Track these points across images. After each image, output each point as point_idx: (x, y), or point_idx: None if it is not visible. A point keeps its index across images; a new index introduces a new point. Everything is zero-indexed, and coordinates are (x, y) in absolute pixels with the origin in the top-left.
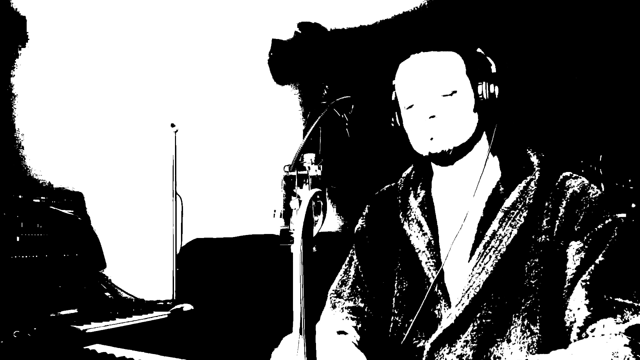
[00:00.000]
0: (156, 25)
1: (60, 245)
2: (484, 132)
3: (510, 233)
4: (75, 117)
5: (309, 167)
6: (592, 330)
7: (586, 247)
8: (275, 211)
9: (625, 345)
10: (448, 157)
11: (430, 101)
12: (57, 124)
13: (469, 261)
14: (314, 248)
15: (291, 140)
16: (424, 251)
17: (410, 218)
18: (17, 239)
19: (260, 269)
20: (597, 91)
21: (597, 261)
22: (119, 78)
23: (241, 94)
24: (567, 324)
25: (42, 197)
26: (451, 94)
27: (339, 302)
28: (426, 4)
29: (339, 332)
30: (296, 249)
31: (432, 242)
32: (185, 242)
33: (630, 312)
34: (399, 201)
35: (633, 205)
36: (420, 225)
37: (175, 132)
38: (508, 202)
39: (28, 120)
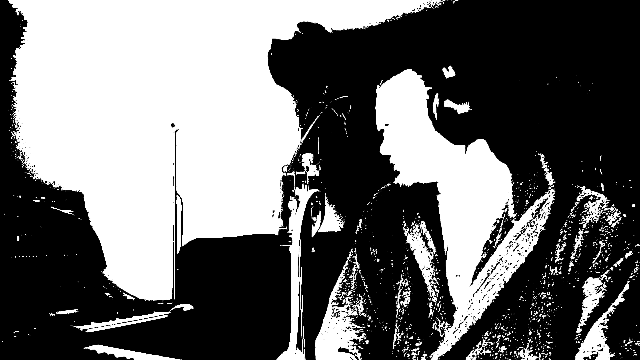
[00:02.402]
0: (156, 25)
1: (60, 245)
2: (489, 150)
3: (517, 261)
4: (75, 116)
5: (307, 168)
6: None
7: (605, 286)
8: (274, 212)
9: None
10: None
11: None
12: (57, 123)
13: (470, 285)
14: (313, 249)
15: (290, 141)
16: (428, 268)
17: (414, 230)
18: (17, 239)
19: (260, 269)
20: (597, 91)
21: (616, 302)
22: (119, 78)
23: (241, 94)
24: None
25: (42, 197)
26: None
27: (341, 310)
28: (427, 6)
29: (340, 350)
30: (294, 249)
31: (437, 259)
32: (185, 242)
33: None
34: (402, 210)
35: (633, 205)
36: (425, 239)
37: (175, 132)
38: (517, 227)
39: (28, 120)
